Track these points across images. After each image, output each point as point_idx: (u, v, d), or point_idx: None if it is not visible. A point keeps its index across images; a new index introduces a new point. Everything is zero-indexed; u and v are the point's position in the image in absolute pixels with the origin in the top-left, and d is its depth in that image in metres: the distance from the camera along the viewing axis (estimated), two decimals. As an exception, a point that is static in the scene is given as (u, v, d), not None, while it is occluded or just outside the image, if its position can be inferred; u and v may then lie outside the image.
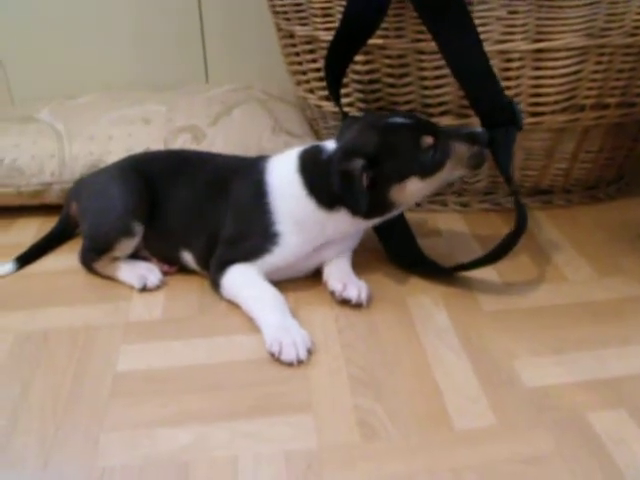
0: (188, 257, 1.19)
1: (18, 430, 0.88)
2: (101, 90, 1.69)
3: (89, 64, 1.85)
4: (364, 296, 1.09)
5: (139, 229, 1.18)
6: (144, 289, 1.16)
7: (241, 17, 1.83)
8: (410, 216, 1.21)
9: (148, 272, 1.18)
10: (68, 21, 1.80)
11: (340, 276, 1.13)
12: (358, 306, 1.09)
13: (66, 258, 1.28)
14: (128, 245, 1.19)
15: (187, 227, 1.18)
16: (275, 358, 0.98)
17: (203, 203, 1.17)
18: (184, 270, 1.22)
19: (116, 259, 1.20)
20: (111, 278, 1.20)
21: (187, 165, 1.23)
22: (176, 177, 1.21)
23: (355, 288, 1.09)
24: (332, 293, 1.11)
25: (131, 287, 1.17)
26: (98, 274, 1.21)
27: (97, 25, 1.81)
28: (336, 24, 1.24)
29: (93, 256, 1.20)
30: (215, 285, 1.13)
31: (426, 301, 1.12)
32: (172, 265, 1.22)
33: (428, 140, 1.04)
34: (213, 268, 1.13)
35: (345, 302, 1.10)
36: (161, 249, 1.22)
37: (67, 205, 1.31)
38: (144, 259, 1.23)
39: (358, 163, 1.01)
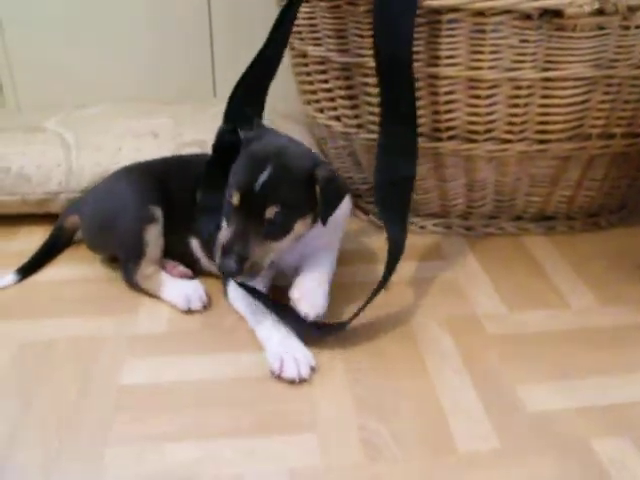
0: (195, 244, 1.21)
1: (20, 443, 0.88)
2: (109, 101, 1.70)
3: (97, 75, 1.86)
4: (311, 316, 1.02)
5: (158, 212, 1.19)
6: (189, 311, 1.16)
7: (250, 34, 1.84)
8: (414, 239, 1.21)
9: (193, 292, 1.16)
10: (79, 32, 1.81)
11: (304, 285, 1.06)
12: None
13: (70, 268, 1.28)
14: (154, 233, 1.18)
15: (191, 211, 1.17)
16: (276, 375, 0.98)
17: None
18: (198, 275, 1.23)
19: (157, 272, 1.19)
20: (155, 296, 1.19)
21: (188, 161, 1.30)
22: (179, 171, 1.25)
23: (307, 305, 1.02)
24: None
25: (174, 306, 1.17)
26: (143, 291, 1.19)
27: (107, 37, 1.82)
28: (349, 46, 1.27)
29: (132, 266, 1.18)
30: (224, 293, 1.15)
31: (431, 324, 1.12)
32: (187, 268, 1.24)
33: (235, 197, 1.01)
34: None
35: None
36: (172, 243, 1.22)
37: (63, 218, 1.32)
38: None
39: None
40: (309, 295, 1.03)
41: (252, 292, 1.08)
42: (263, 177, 0.98)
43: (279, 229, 1.01)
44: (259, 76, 1.17)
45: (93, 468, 0.84)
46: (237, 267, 0.98)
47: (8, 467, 0.85)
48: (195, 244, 1.21)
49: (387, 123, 1.13)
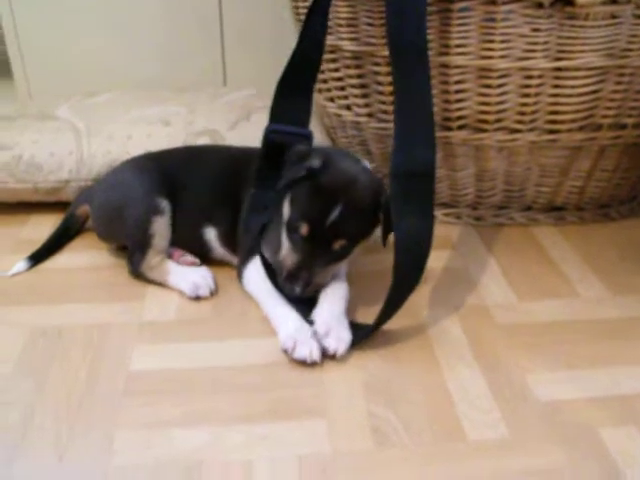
0: (211, 234, 1.22)
1: (32, 426, 0.89)
2: (118, 88, 1.71)
3: (108, 63, 1.86)
4: (341, 351, 1.00)
5: (166, 205, 1.20)
6: (197, 298, 1.16)
7: (261, 23, 1.85)
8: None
9: (201, 279, 1.17)
10: (91, 21, 1.82)
11: (328, 319, 1.04)
12: (333, 356, 1.01)
13: (81, 255, 1.29)
14: (161, 224, 1.19)
15: (211, 202, 1.21)
16: (288, 354, 0.99)
17: (226, 180, 1.20)
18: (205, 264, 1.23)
19: (163, 261, 1.20)
20: (162, 284, 1.19)
21: (200, 152, 1.30)
22: (192, 162, 1.25)
23: (335, 340, 1.01)
24: (314, 333, 1.03)
25: (182, 293, 1.17)
26: (149, 280, 1.20)
27: (118, 26, 1.83)
28: (360, 35, 1.26)
29: (139, 256, 1.19)
30: (238, 276, 1.16)
31: (441, 313, 1.12)
32: (195, 257, 1.24)
33: (304, 228, 1.03)
34: (240, 257, 1.17)
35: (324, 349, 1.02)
36: (182, 232, 1.23)
37: (74, 206, 1.33)
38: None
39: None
40: (335, 330, 1.02)
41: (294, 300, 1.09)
42: (334, 214, 1.02)
43: (342, 256, 1.08)
44: (301, 69, 1.16)
45: (103, 451, 0.85)
46: (302, 292, 1.05)
47: (22, 447, 0.86)
48: (212, 233, 1.22)
49: (402, 110, 1.07)
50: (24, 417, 0.90)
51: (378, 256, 1.24)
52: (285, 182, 1.06)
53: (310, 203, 1.04)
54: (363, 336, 1.04)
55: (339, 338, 1.01)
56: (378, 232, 1.08)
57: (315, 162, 1.04)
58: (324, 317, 1.04)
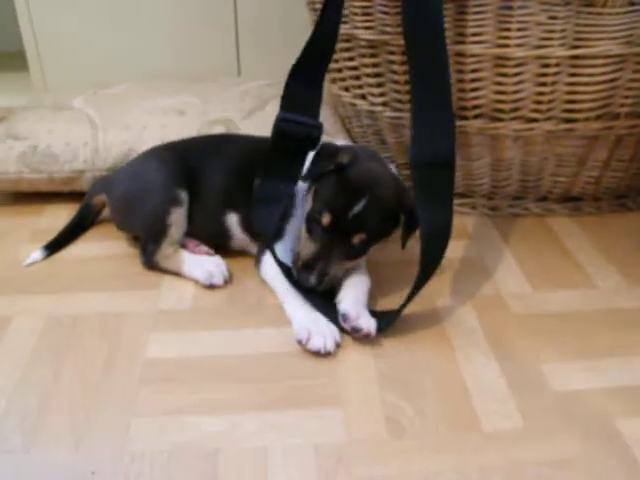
0: (232, 220, 1.21)
1: (49, 413, 0.90)
2: (133, 80, 1.71)
3: (123, 54, 1.87)
4: (374, 331, 1.01)
5: (184, 196, 1.20)
6: (211, 286, 1.16)
7: (275, 12, 1.84)
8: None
9: (215, 268, 1.17)
10: (103, 10, 1.82)
11: (355, 303, 1.05)
12: (367, 336, 1.02)
13: (97, 245, 1.30)
14: (179, 216, 1.19)
15: (233, 187, 1.20)
16: (302, 345, 1.00)
17: (248, 166, 1.19)
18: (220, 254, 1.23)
19: (177, 251, 1.20)
20: (177, 274, 1.19)
21: (221, 140, 1.31)
22: (212, 150, 1.25)
23: (366, 321, 1.02)
24: (343, 317, 1.03)
25: (196, 282, 1.18)
26: (162, 270, 1.20)
27: (131, 15, 1.83)
28: (375, 23, 1.26)
29: (153, 247, 1.19)
30: (257, 262, 1.17)
31: (456, 303, 1.12)
32: (210, 247, 1.24)
33: (326, 218, 1.03)
34: (259, 246, 1.17)
35: (355, 331, 1.02)
36: (202, 221, 1.23)
37: (90, 195, 1.33)
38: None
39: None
40: (363, 313, 1.03)
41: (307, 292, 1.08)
42: (358, 207, 1.02)
43: (359, 252, 1.08)
44: (315, 59, 1.16)
45: (119, 437, 0.86)
46: (317, 282, 1.04)
47: (39, 433, 0.86)
48: (233, 219, 1.21)
49: (419, 99, 1.07)
50: (41, 404, 0.91)
51: (392, 246, 1.23)
52: (312, 175, 1.07)
53: (335, 194, 1.04)
54: (387, 323, 1.04)
55: (369, 321, 1.02)
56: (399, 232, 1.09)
57: (344, 158, 1.05)
58: (351, 302, 1.05)
